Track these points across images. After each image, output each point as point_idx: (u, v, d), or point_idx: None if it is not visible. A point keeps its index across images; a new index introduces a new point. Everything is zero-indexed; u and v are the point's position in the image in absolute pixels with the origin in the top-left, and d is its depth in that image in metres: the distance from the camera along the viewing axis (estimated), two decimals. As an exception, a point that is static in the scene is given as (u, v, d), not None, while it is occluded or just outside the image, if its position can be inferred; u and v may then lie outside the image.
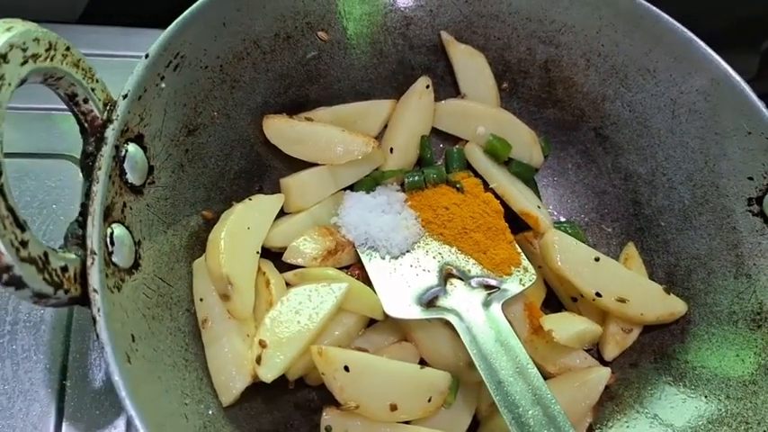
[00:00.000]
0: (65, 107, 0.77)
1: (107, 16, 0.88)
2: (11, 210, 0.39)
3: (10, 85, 0.39)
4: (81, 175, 0.72)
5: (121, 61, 0.83)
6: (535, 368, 0.55)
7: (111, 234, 0.47)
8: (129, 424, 0.60)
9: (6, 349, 0.62)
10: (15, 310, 0.64)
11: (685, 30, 0.66)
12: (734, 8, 1.07)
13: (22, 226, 0.39)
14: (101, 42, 0.84)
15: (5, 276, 0.38)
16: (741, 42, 1.09)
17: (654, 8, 0.67)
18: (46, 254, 0.41)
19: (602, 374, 0.59)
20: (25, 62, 0.41)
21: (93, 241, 0.45)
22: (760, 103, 0.63)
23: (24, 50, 0.41)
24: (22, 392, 0.60)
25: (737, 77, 0.64)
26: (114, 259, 0.47)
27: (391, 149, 0.69)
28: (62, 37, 0.46)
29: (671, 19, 0.66)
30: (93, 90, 0.48)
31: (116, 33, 0.86)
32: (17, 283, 0.39)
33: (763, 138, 0.62)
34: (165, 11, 0.80)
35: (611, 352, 0.64)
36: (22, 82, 0.41)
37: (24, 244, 0.39)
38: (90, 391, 0.61)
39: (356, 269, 0.63)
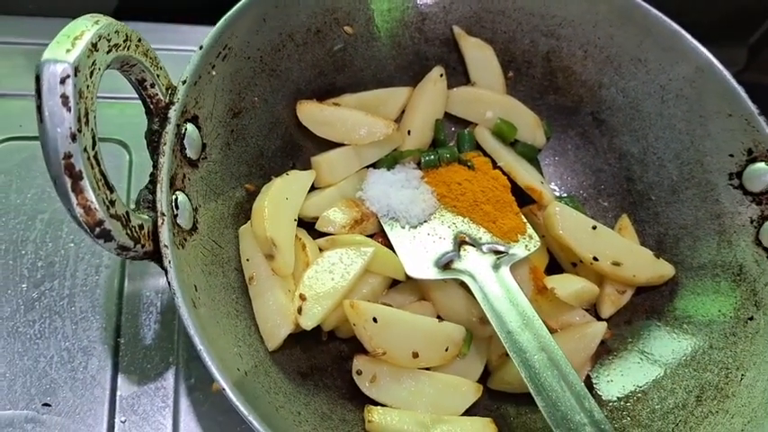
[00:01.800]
0: (109, 96, 0.85)
1: (136, 14, 0.95)
2: (103, 174, 0.46)
3: (100, 69, 0.47)
4: (127, 156, 0.80)
5: (167, 55, 0.89)
6: (540, 321, 0.62)
7: (176, 199, 0.54)
8: (177, 375, 0.66)
9: (66, 310, 0.68)
10: (73, 276, 0.70)
11: (672, 23, 0.73)
12: (722, 2, 1.13)
13: (111, 188, 0.47)
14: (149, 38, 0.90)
15: (98, 230, 0.46)
16: (730, 35, 1.14)
17: (644, 3, 0.74)
18: (127, 213, 0.49)
19: (599, 328, 0.66)
20: (110, 50, 0.48)
21: (162, 204, 0.52)
22: (739, 88, 0.69)
23: (109, 40, 0.48)
24: (81, 348, 0.66)
25: (719, 65, 0.71)
26: (179, 221, 0.54)
27: (409, 132, 0.76)
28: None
29: (659, 13, 0.73)
30: (158, 76, 0.56)
31: (150, 30, 0.92)
32: (106, 236, 0.47)
33: (742, 119, 0.69)
34: (191, 8, 0.87)
35: (607, 310, 0.71)
36: (107, 67, 0.49)
37: (112, 203, 0.47)
38: (141, 347, 0.67)
39: (379, 237, 0.70)
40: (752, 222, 0.68)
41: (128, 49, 0.51)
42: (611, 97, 0.78)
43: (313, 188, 0.71)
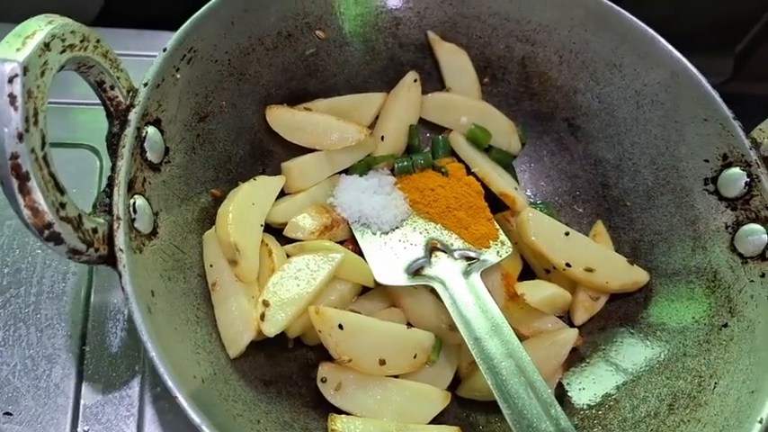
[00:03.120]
0: (81, 102, 0.84)
1: (120, 19, 0.95)
2: (52, 175, 0.45)
3: (52, 69, 0.46)
4: (98, 162, 0.79)
5: (133, 60, 0.89)
6: (509, 328, 0.61)
7: (134, 203, 0.53)
8: (142, 384, 0.65)
9: (31, 317, 0.67)
10: (39, 282, 0.69)
11: (647, 28, 0.72)
12: (709, 11, 1.12)
13: (61, 190, 0.46)
14: (114, 43, 0.90)
15: (47, 232, 0.45)
16: (716, 44, 1.14)
17: (619, 9, 0.73)
18: (80, 216, 0.48)
19: (570, 335, 0.65)
20: (64, 51, 0.47)
21: (119, 208, 0.51)
22: (714, 93, 0.69)
23: (63, 41, 0.47)
24: (46, 356, 0.65)
25: (695, 70, 0.70)
26: (136, 225, 0.53)
27: (382, 137, 0.76)
28: None
29: (634, 18, 0.73)
30: (118, 78, 0.55)
31: (128, 35, 0.92)
32: (56, 239, 0.46)
33: (717, 123, 0.68)
34: (175, 13, 0.87)
35: (580, 317, 0.70)
36: (61, 68, 0.48)
37: (63, 205, 0.46)
38: (107, 355, 0.66)
39: (350, 244, 0.70)
40: (726, 228, 0.67)
41: (85, 49, 0.50)
42: (586, 103, 0.78)
43: (284, 194, 0.71)
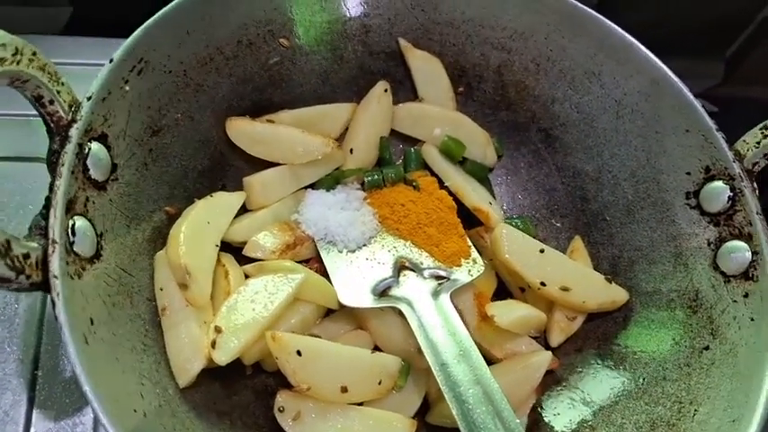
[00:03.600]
0: (36, 114, 0.81)
1: (89, 28, 0.92)
2: (-26, 199, 0.42)
3: (-25, 85, 0.43)
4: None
5: (82, 70, 0.86)
6: (478, 352, 0.58)
7: (73, 225, 0.50)
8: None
9: (-19, 341, 0.65)
10: (-9, 304, 0.67)
11: (625, 34, 0.69)
12: (699, 15, 1.10)
13: (-16, 214, 0.43)
14: (83, 53, 0.87)
15: (-32, 260, 0.42)
16: (707, 49, 1.12)
17: (596, 14, 0.70)
18: (8, 241, 0.45)
19: (544, 358, 0.62)
20: (-9, 65, 0.44)
21: (54, 231, 0.48)
22: (697, 103, 0.66)
23: (-10, 54, 0.44)
24: (-5, 382, 0.63)
25: (675, 78, 0.67)
26: (76, 249, 0.50)
27: (351, 150, 0.72)
28: (37, 46, 0.49)
29: (612, 24, 0.69)
30: (58, 92, 0.52)
31: (97, 44, 0.89)
32: (-21, 267, 0.43)
33: (699, 135, 0.65)
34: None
35: (556, 338, 0.67)
36: (-11, 83, 0.45)
37: (-13, 231, 0.43)
38: (61, 380, 0.64)
39: (315, 263, 0.66)
40: (709, 245, 0.64)
41: (18, 63, 0.47)
42: (564, 113, 0.75)
43: (246, 211, 0.68)
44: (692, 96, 0.66)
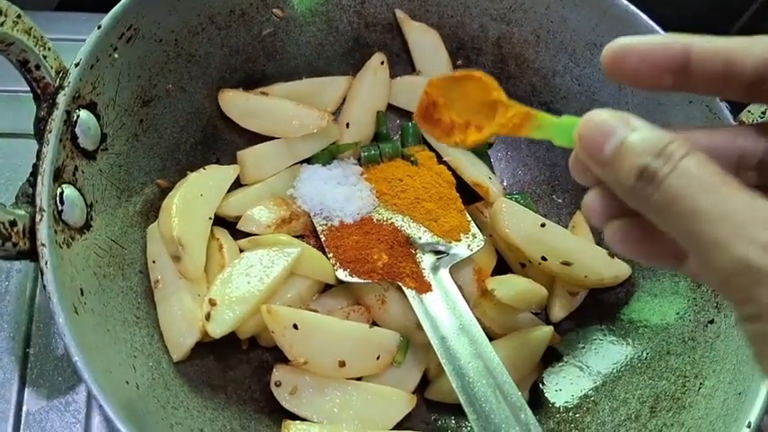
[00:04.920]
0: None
1: (83, 4, 0.90)
2: (-42, 163, 0.41)
3: (-44, 46, 0.41)
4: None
5: (70, 45, 0.84)
6: (478, 326, 0.57)
7: (62, 194, 0.48)
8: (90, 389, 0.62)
9: (-29, 319, 0.63)
10: (-20, 281, 0.66)
11: (628, 3, 0.67)
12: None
13: (-31, 179, 0.42)
14: (77, 28, 0.85)
15: (-48, 227, 0.41)
16: (710, 28, 1.10)
17: (597, -19, 0.69)
18: (-7, 207, 0.44)
19: (545, 332, 0.61)
20: (-28, 26, 0.43)
21: (42, 199, 0.46)
22: (700, 73, 0.64)
23: (-28, 14, 0.43)
24: (-15, 359, 0.61)
25: (679, 49, 0.66)
26: (64, 218, 0.48)
27: (348, 124, 0.71)
28: (34, 18, 0.48)
29: (612, -8, 0.68)
30: (44, 57, 0.50)
31: (93, 19, 0.87)
32: (-36, 234, 0.41)
33: (703, 105, 0.63)
34: None
35: (557, 314, 0.66)
36: (-30, 45, 0.43)
37: (-29, 196, 0.42)
38: (53, 358, 0.63)
39: (311, 238, 0.65)
40: (713, 217, 0.62)
41: (1, 25, 0.46)
42: (565, 86, 0.73)
43: (240, 185, 0.66)
44: (696, 67, 0.64)
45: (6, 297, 0.65)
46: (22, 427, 0.59)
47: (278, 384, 0.56)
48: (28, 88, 0.80)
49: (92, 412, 0.61)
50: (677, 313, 0.61)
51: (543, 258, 0.63)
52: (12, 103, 0.78)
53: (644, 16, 0.67)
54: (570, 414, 0.59)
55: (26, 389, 0.61)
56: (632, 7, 0.68)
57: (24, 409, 0.60)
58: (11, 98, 0.78)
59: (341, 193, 0.66)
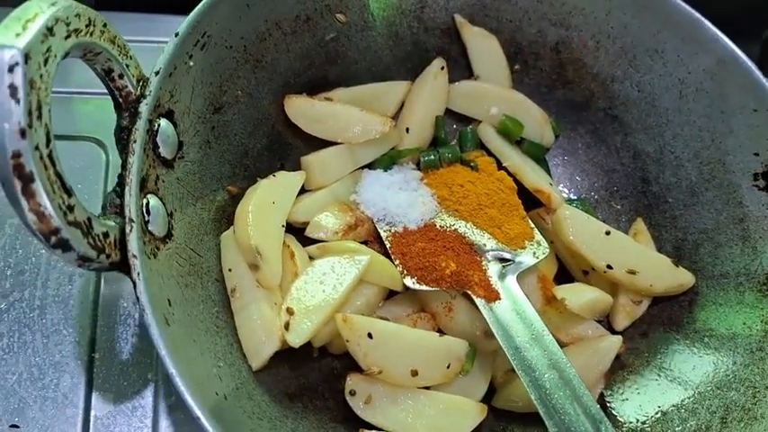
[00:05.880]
0: (84, 91, 0.80)
1: (121, 2, 0.90)
2: (59, 175, 0.41)
3: (56, 57, 0.41)
4: (104, 156, 0.75)
5: (138, 47, 0.84)
6: (550, 335, 0.57)
7: (147, 204, 0.49)
8: (156, 393, 0.62)
9: (37, 323, 0.63)
10: (44, 285, 0.65)
11: (692, 10, 0.67)
12: (736, -5, 1.08)
13: (69, 191, 0.42)
14: (118, 28, 0.85)
15: (54, 239, 0.41)
16: (743, 30, 1.10)
17: (661, -10, 0.69)
18: (90, 219, 0.44)
19: (614, 342, 0.61)
20: (68, 36, 0.43)
21: (131, 210, 0.47)
22: (765, 81, 0.64)
23: (68, 25, 0.43)
24: (53, 364, 0.61)
25: (744, 57, 0.66)
26: (150, 228, 0.49)
27: (407, 129, 0.71)
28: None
29: (678, 0, 0.68)
30: (127, 66, 0.50)
31: (130, 19, 0.87)
32: (64, 246, 0.41)
33: (768, 114, 0.64)
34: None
35: (621, 322, 0.66)
36: (66, 55, 0.43)
37: (71, 208, 0.42)
38: (118, 363, 0.63)
39: (375, 244, 0.65)
40: (778, 227, 0.62)
41: (90, 35, 0.46)
42: (624, 92, 0.73)
43: (303, 191, 0.66)
44: (760, 75, 0.65)
45: (70, 302, 0.66)
46: (90, 431, 0.59)
47: (352, 393, 0.56)
48: (80, 90, 0.80)
49: (159, 417, 0.61)
50: (744, 323, 0.61)
51: (609, 267, 0.63)
52: (64, 105, 0.78)
53: (708, 24, 0.68)
54: (639, 425, 0.60)
55: (93, 393, 0.61)
56: (696, 14, 0.68)
57: (92, 413, 0.60)
58: (63, 100, 0.78)
59: (404, 199, 0.66)
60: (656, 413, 0.60)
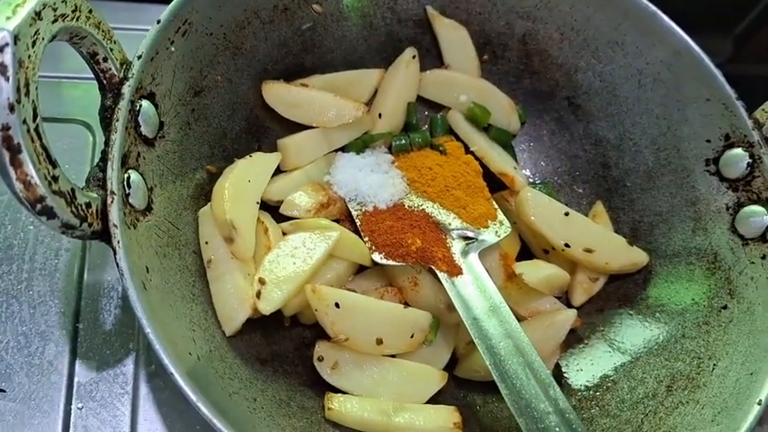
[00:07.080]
0: (74, 76, 0.83)
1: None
2: (44, 148, 0.44)
3: (43, 39, 0.45)
4: (91, 137, 0.78)
5: (124, 34, 0.87)
6: (507, 308, 0.61)
7: (128, 178, 0.52)
8: (137, 362, 0.64)
9: (24, 294, 0.66)
10: (32, 259, 0.68)
11: (650, 4, 0.71)
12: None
13: (54, 163, 0.45)
14: (105, 16, 0.88)
15: (39, 206, 0.44)
16: (715, 25, 1.13)
17: (621, -16, 0.72)
18: (73, 190, 0.47)
19: (569, 315, 0.64)
20: (55, 20, 0.46)
21: (113, 182, 0.50)
22: (718, 72, 0.68)
23: (55, 10, 0.46)
24: (39, 333, 0.64)
25: (697, 48, 0.69)
26: (131, 200, 0.52)
27: (380, 115, 0.74)
28: None
29: (637, -6, 0.72)
30: (111, 50, 0.54)
31: (115, 8, 0.90)
32: (48, 213, 0.45)
33: (720, 104, 0.67)
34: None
35: (578, 298, 0.69)
36: (53, 38, 0.47)
37: (55, 179, 0.45)
38: (101, 333, 0.66)
39: (346, 222, 0.69)
40: (727, 209, 0.66)
41: (76, 20, 0.49)
42: (587, 82, 0.77)
43: (279, 171, 0.70)
44: (713, 66, 0.68)
45: (56, 275, 0.69)
46: (74, 396, 0.62)
47: (320, 359, 0.59)
48: (68, 75, 0.83)
49: (138, 384, 0.64)
50: (692, 299, 0.65)
51: (566, 245, 0.67)
52: (53, 88, 0.81)
53: (665, 17, 0.71)
54: (591, 392, 0.64)
55: (77, 361, 0.64)
56: (653, 7, 0.71)
57: (76, 380, 0.63)
58: (53, 83, 0.81)
59: (374, 181, 0.69)
60: (607, 382, 0.64)
